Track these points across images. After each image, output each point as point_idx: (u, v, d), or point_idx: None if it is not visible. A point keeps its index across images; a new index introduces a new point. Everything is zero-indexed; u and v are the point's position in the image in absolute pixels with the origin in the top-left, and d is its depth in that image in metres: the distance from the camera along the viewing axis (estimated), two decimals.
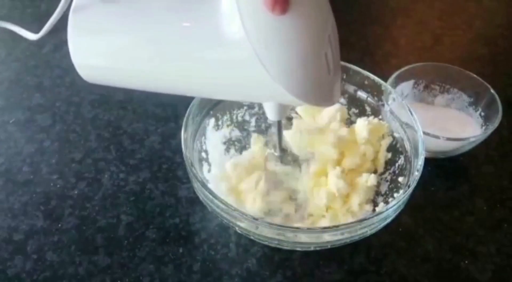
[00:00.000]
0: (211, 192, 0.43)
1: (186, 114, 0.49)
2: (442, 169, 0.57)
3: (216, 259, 0.49)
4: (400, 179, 0.51)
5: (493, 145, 0.60)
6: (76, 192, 0.54)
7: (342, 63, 0.53)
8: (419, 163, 0.46)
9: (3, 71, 0.68)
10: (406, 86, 0.61)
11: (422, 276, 0.48)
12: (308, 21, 0.32)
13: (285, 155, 0.47)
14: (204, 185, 0.44)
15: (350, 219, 0.49)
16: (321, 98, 0.35)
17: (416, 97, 0.63)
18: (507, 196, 0.55)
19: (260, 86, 0.34)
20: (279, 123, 0.43)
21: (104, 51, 0.37)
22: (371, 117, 0.55)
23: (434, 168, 0.57)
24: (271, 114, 0.41)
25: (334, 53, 0.35)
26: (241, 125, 0.58)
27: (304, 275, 0.48)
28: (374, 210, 0.50)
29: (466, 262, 0.49)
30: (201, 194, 0.45)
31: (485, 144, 0.56)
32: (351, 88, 0.56)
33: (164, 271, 0.48)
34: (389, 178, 0.52)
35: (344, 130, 0.54)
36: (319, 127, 0.55)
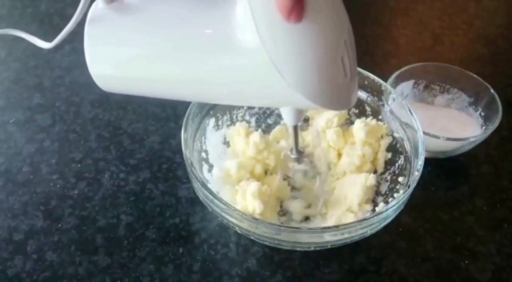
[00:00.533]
0: (211, 192, 0.43)
1: (186, 114, 0.49)
2: (442, 169, 0.57)
3: (216, 259, 0.49)
4: (400, 179, 0.51)
5: (493, 145, 0.60)
6: (76, 192, 0.54)
7: None
8: (419, 163, 0.46)
9: (3, 71, 0.68)
10: (406, 86, 0.61)
11: (422, 276, 0.48)
12: (324, 27, 0.32)
13: (301, 156, 0.48)
14: (204, 185, 0.44)
15: (350, 219, 0.49)
16: (339, 102, 0.35)
17: (416, 97, 0.63)
18: (507, 196, 0.55)
19: (276, 93, 0.34)
20: (295, 127, 0.43)
21: (120, 61, 0.37)
22: (369, 119, 0.55)
23: (434, 168, 0.57)
24: (288, 119, 0.41)
25: (350, 57, 0.35)
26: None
27: (304, 275, 0.48)
28: (374, 210, 0.50)
29: (466, 262, 0.49)
30: (201, 194, 0.45)
31: (485, 144, 0.56)
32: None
33: (164, 271, 0.48)
34: (389, 178, 0.52)
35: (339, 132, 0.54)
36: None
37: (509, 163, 0.59)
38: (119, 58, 0.37)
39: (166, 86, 0.38)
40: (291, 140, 0.45)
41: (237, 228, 0.44)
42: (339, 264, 0.49)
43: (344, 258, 0.49)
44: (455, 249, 0.50)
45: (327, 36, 0.32)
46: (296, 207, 0.51)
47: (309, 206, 0.52)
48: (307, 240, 0.44)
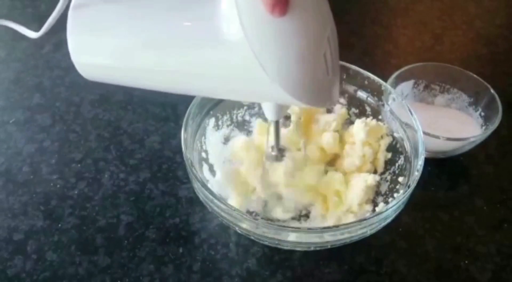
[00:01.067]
0: (211, 192, 0.43)
1: (186, 114, 0.49)
2: (442, 169, 0.57)
3: (216, 259, 0.49)
4: (400, 179, 0.51)
5: (493, 145, 0.60)
6: (76, 192, 0.54)
7: (342, 63, 0.53)
8: (419, 163, 0.46)
9: (3, 71, 0.68)
10: (406, 86, 0.61)
11: (422, 276, 0.48)
12: (307, 22, 0.32)
13: (282, 153, 0.48)
14: (204, 185, 0.44)
15: (350, 219, 0.49)
16: (320, 99, 0.35)
17: (416, 97, 0.63)
18: (507, 196, 0.55)
19: (258, 87, 0.34)
20: (276, 122, 0.43)
21: (103, 50, 0.37)
22: (369, 119, 0.55)
23: (434, 168, 0.57)
24: (270, 114, 0.41)
25: (333, 54, 0.35)
26: (241, 125, 0.58)
27: (304, 275, 0.48)
28: (374, 210, 0.50)
29: (466, 262, 0.49)
30: (201, 194, 0.45)
31: (485, 144, 0.56)
32: (351, 88, 0.56)
33: (164, 271, 0.48)
34: (389, 178, 0.52)
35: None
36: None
37: (509, 163, 0.59)
38: (102, 47, 0.37)
39: (149, 77, 0.38)
40: (271, 137, 0.45)
41: (237, 228, 0.44)
42: (339, 264, 0.49)
43: (344, 258, 0.49)
44: (455, 249, 0.50)
45: (310, 31, 0.32)
46: (279, 213, 0.51)
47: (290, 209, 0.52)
48: (307, 240, 0.44)
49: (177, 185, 0.55)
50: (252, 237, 0.45)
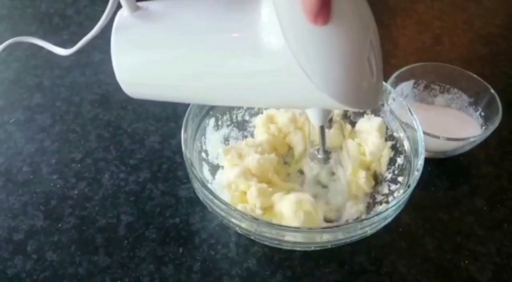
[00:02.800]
0: (211, 192, 0.43)
1: (186, 114, 0.49)
2: (442, 169, 0.57)
3: (216, 259, 0.49)
4: (400, 178, 0.51)
5: (493, 144, 0.60)
6: (76, 192, 0.54)
7: None
8: (419, 162, 0.46)
9: (3, 71, 0.68)
10: (406, 86, 0.61)
11: (422, 276, 0.48)
12: (350, 28, 0.32)
13: (328, 156, 0.48)
14: (204, 185, 0.44)
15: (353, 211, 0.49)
16: (365, 102, 0.35)
17: (416, 97, 0.63)
18: (507, 196, 0.55)
19: (303, 94, 0.34)
20: (321, 127, 0.43)
21: (147, 69, 0.38)
22: (376, 117, 0.55)
23: (434, 168, 0.57)
24: (315, 120, 0.41)
25: (376, 56, 0.35)
26: (241, 125, 0.58)
27: (304, 275, 0.48)
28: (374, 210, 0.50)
29: (466, 262, 0.49)
30: (201, 194, 0.45)
31: (485, 144, 0.56)
32: None
33: (164, 271, 0.48)
34: (389, 177, 0.52)
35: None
36: None
37: (509, 163, 0.59)
38: (146, 66, 0.37)
39: (193, 92, 0.39)
40: (318, 140, 0.45)
41: (237, 228, 0.44)
42: (339, 264, 0.49)
43: (344, 258, 0.49)
44: (455, 249, 0.50)
45: (353, 37, 0.32)
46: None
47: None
48: (307, 240, 0.44)
49: (177, 185, 0.55)
50: (252, 237, 0.45)
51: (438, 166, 0.57)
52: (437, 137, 0.53)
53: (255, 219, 0.42)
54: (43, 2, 0.80)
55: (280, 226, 0.43)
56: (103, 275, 0.47)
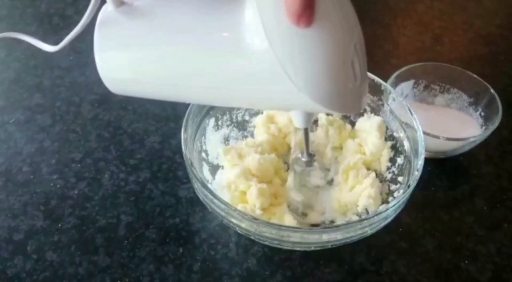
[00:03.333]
0: (211, 192, 0.43)
1: (186, 114, 0.49)
2: (442, 169, 0.57)
3: (216, 259, 0.49)
4: (400, 178, 0.51)
5: (493, 144, 0.60)
6: (76, 192, 0.54)
7: None
8: (419, 162, 0.46)
9: (3, 71, 0.68)
10: (406, 86, 0.61)
11: (422, 276, 0.48)
12: (334, 31, 0.32)
13: (312, 159, 0.48)
14: (204, 185, 0.44)
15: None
16: (348, 105, 0.35)
17: (416, 97, 0.63)
18: (507, 196, 0.55)
19: (286, 97, 0.34)
20: (305, 130, 0.43)
21: (130, 65, 0.37)
22: (376, 117, 0.55)
23: (434, 168, 0.57)
24: (298, 122, 0.41)
25: (360, 61, 0.35)
26: (241, 125, 0.58)
27: (304, 275, 0.48)
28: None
29: (466, 262, 0.49)
30: (201, 194, 0.45)
31: (485, 144, 0.56)
32: None
33: (164, 271, 0.48)
34: (389, 177, 0.52)
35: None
36: None
37: (509, 163, 0.59)
38: (129, 62, 0.37)
39: (175, 90, 0.38)
40: (301, 143, 0.45)
41: (237, 228, 0.44)
42: (339, 264, 0.49)
43: (344, 258, 0.49)
44: (455, 249, 0.50)
45: (337, 40, 0.32)
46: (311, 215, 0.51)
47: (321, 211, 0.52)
48: (307, 240, 0.44)
49: (177, 185, 0.55)
50: (252, 237, 0.45)
51: (438, 166, 0.57)
52: (437, 137, 0.53)
53: (255, 219, 0.42)
54: (43, 2, 0.80)
55: (280, 226, 0.43)
56: (103, 275, 0.47)
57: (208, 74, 0.35)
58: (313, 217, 0.51)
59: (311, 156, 0.47)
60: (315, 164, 0.49)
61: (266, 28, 0.31)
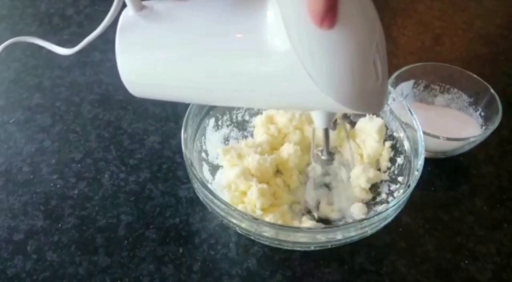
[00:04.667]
0: (211, 192, 0.43)
1: (186, 114, 0.49)
2: (442, 169, 0.57)
3: (216, 259, 0.49)
4: (400, 178, 0.51)
5: (493, 144, 0.60)
6: (76, 192, 0.54)
7: None
8: (419, 162, 0.46)
9: (3, 71, 0.68)
10: (406, 86, 0.61)
11: (422, 276, 0.48)
12: (356, 31, 0.31)
13: (332, 157, 0.48)
14: (204, 185, 0.44)
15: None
16: (370, 105, 0.35)
17: (416, 97, 0.63)
18: (507, 196, 0.55)
19: (308, 97, 0.33)
20: (326, 129, 0.43)
21: (151, 68, 0.37)
22: (377, 119, 0.55)
23: (434, 168, 0.57)
24: (319, 122, 0.41)
25: (382, 60, 0.35)
26: (241, 125, 0.58)
27: (304, 275, 0.48)
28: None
29: (466, 262, 0.49)
30: (201, 194, 0.45)
31: (485, 144, 0.56)
32: None
33: (164, 271, 0.48)
34: (389, 177, 0.52)
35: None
36: None
37: (509, 163, 0.59)
38: (150, 66, 0.37)
39: (197, 93, 0.38)
40: (321, 142, 0.45)
41: (237, 228, 0.44)
42: (339, 264, 0.49)
43: (344, 258, 0.49)
44: (455, 249, 0.50)
45: (359, 40, 0.32)
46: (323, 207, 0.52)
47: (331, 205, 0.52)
48: (307, 240, 0.44)
49: (177, 185, 0.55)
50: (252, 237, 0.45)
51: (438, 166, 0.57)
52: (437, 137, 0.53)
53: (255, 219, 0.42)
54: (43, 2, 0.80)
55: (280, 226, 0.43)
56: (103, 275, 0.47)
57: (230, 75, 0.35)
58: (326, 214, 0.51)
59: (331, 154, 0.47)
60: (335, 162, 0.49)
61: (289, 29, 0.31)
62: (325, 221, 0.51)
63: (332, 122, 0.42)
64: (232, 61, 0.34)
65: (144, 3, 0.36)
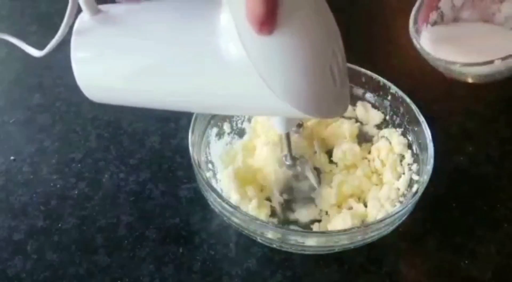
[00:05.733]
0: (219, 195, 0.44)
1: (192, 122, 0.49)
2: (442, 168, 0.57)
3: (216, 259, 0.49)
4: (407, 184, 0.51)
5: (493, 145, 0.60)
6: (76, 192, 0.54)
7: (349, 65, 0.54)
8: (428, 168, 0.46)
9: (3, 71, 0.68)
10: None
11: (422, 276, 0.48)
12: (308, 37, 0.32)
13: (295, 162, 0.48)
14: (220, 197, 0.44)
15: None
16: (329, 110, 0.35)
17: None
18: (507, 196, 0.55)
19: (265, 103, 0.33)
20: (287, 134, 0.43)
21: (107, 73, 0.37)
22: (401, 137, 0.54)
23: (434, 167, 0.57)
24: (279, 127, 0.41)
25: (340, 65, 0.35)
26: (242, 133, 0.57)
27: (304, 275, 0.48)
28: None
29: (466, 262, 0.49)
30: (218, 206, 0.45)
31: (485, 144, 0.56)
32: (359, 91, 0.56)
33: (164, 271, 0.48)
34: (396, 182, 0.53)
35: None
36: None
37: (509, 163, 0.59)
38: (105, 70, 0.37)
39: (152, 98, 0.38)
40: (283, 147, 0.45)
41: (258, 238, 0.45)
42: (339, 264, 0.49)
43: (344, 258, 0.49)
44: (455, 249, 0.50)
45: (312, 45, 0.32)
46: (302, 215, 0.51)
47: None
48: (317, 244, 0.44)
49: (177, 185, 0.55)
50: (274, 246, 0.46)
51: (438, 165, 0.57)
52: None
53: (264, 223, 0.43)
54: (43, 2, 0.80)
55: (305, 232, 0.45)
56: (103, 275, 0.47)
57: (184, 82, 0.35)
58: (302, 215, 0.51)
59: (294, 159, 0.47)
60: (298, 168, 0.49)
61: (241, 35, 0.30)
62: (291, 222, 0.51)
63: (293, 127, 0.42)
64: (186, 68, 0.34)
65: (100, 7, 0.36)
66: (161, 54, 0.35)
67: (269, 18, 0.29)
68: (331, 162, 0.55)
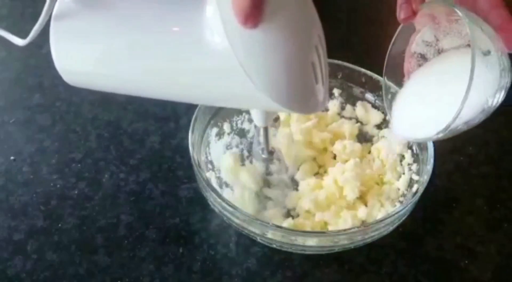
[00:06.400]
0: (218, 195, 0.44)
1: (192, 121, 0.49)
2: (442, 168, 0.57)
3: (216, 259, 0.49)
4: (407, 184, 0.51)
5: (493, 145, 0.60)
6: (76, 192, 0.54)
7: (347, 64, 0.54)
8: (428, 168, 0.46)
9: (3, 71, 0.68)
10: None
11: (422, 276, 0.48)
12: (291, 33, 0.32)
13: (272, 156, 0.48)
14: (220, 196, 0.44)
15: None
16: (308, 106, 0.35)
17: None
18: (507, 196, 0.55)
19: (245, 95, 0.33)
20: (265, 128, 0.43)
21: (86, 57, 0.37)
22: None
23: (434, 167, 0.57)
24: (258, 121, 0.42)
25: (322, 62, 0.35)
26: (241, 133, 0.57)
27: (304, 275, 0.48)
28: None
29: (466, 262, 0.49)
30: (218, 206, 0.46)
31: (485, 144, 0.56)
32: (348, 86, 0.57)
33: (164, 271, 0.48)
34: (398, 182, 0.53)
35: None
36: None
37: (509, 163, 0.59)
38: (85, 54, 0.37)
39: (133, 84, 0.38)
40: (261, 140, 0.45)
41: (258, 238, 0.45)
42: (339, 264, 0.49)
43: (344, 258, 0.49)
44: (455, 249, 0.50)
45: (293, 41, 0.32)
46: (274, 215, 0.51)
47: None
48: (317, 244, 0.44)
49: (177, 185, 0.55)
50: (274, 245, 0.45)
51: (438, 165, 0.57)
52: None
53: (265, 223, 0.43)
54: (43, 2, 0.80)
55: (307, 232, 0.44)
56: (103, 275, 0.47)
57: (167, 70, 0.35)
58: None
59: (271, 153, 0.47)
60: (275, 161, 0.50)
61: (226, 27, 0.31)
62: None
63: (271, 121, 0.42)
64: (169, 55, 0.34)
65: None
66: (143, 40, 0.34)
67: (254, 11, 0.30)
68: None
